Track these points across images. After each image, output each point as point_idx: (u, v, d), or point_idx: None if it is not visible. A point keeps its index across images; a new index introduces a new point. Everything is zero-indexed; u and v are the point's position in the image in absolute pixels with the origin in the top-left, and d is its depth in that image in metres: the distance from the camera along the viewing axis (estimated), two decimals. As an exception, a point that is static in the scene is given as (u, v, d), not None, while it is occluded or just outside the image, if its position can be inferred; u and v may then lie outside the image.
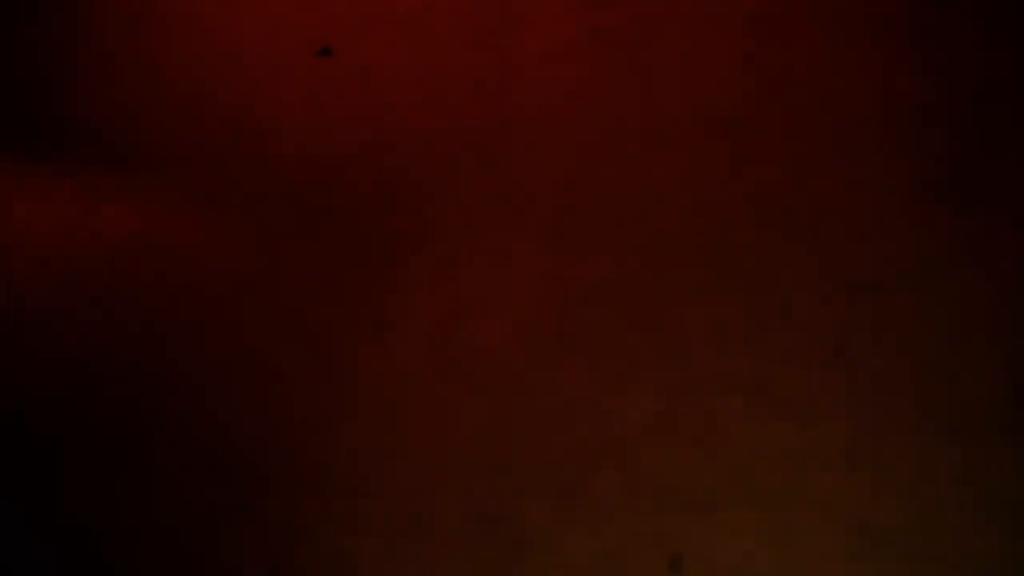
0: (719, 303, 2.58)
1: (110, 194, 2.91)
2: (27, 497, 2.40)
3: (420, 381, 2.52)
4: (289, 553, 2.48)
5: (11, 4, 3.51)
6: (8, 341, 2.58)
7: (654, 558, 2.43)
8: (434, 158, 2.99)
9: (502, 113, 3.13)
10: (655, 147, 3.02)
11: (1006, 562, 2.31)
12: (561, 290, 2.62)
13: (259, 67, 3.29)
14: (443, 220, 2.81)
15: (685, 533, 2.41)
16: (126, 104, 3.18)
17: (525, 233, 2.77)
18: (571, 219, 2.80)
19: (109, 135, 3.08)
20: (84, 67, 3.31)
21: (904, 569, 2.34)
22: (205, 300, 2.62)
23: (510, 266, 2.69)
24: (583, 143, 3.03)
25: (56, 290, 2.66)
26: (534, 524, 2.38)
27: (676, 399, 2.48)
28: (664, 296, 2.60)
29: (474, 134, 3.06)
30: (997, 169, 2.94)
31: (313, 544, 2.47)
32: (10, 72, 3.30)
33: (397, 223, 2.80)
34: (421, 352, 2.55)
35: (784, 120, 3.09)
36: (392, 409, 2.49)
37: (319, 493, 2.41)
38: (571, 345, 2.54)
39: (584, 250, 2.72)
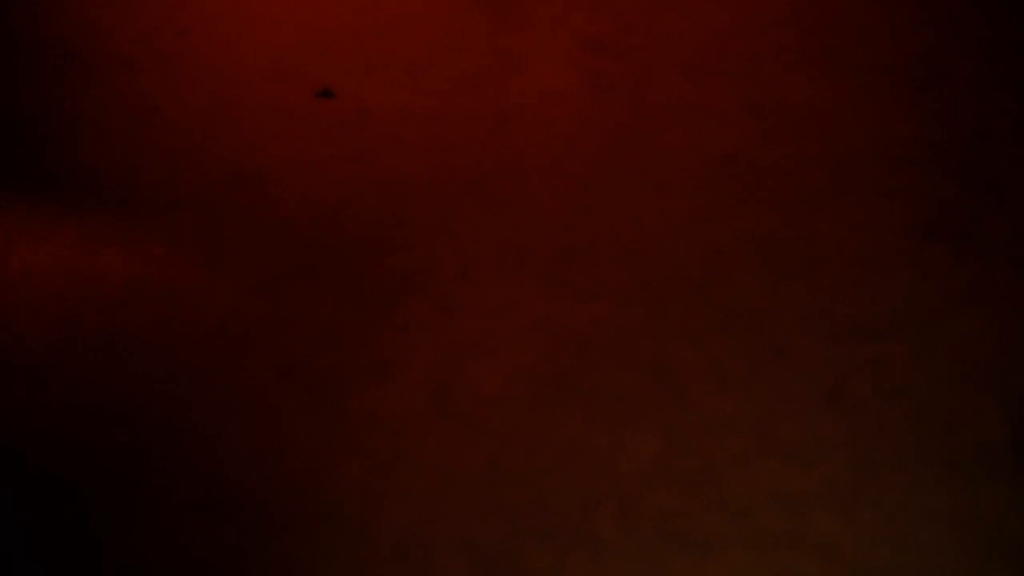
0: (718, 345, 2.58)
1: (110, 237, 2.92)
2: (30, 540, 2.39)
3: (419, 423, 2.52)
4: (288, 596, 2.48)
5: (11, 48, 3.53)
6: (8, 385, 2.58)
7: (654, 601, 2.42)
8: (433, 200, 2.99)
9: (502, 156, 3.14)
10: (655, 190, 3.02)
11: (1006, 605, 2.31)
12: (560, 332, 2.63)
13: (259, 109, 3.31)
14: (442, 262, 2.81)
15: (685, 575, 2.41)
16: (126, 147, 3.19)
17: (524, 275, 2.77)
18: (570, 261, 2.81)
19: (109, 178, 3.09)
20: (84, 111, 3.32)
21: (904, 612, 2.34)
22: (206, 343, 2.62)
23: (509, 308, 2.69)
24: (582, 186, 3.04)
25: (56, 333, 2.66)
26: (534, 567, 2.37)
27: (675, 441, 2.48)
28: (663, 338, 2.60)
29: (473, 176, 3.07)
30: (994, 212, 2.95)
31: (312, 587, 2.47)
32: (10, 116, 3.31)
33: (397, 265, 2.81)
34: (420, 394, 2.55)
35: (783, 163, 3.10)
36: (392, 451, 2.49)
37: (320, 535, 2.41)
38: (570, 387, 2.54)
39: (583, 292, 2.72)
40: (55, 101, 3.35)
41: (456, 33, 3.65)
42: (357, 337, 2.63)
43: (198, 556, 2.38)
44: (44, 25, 3.66)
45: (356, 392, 2.55)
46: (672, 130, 3.22)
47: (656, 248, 2.84)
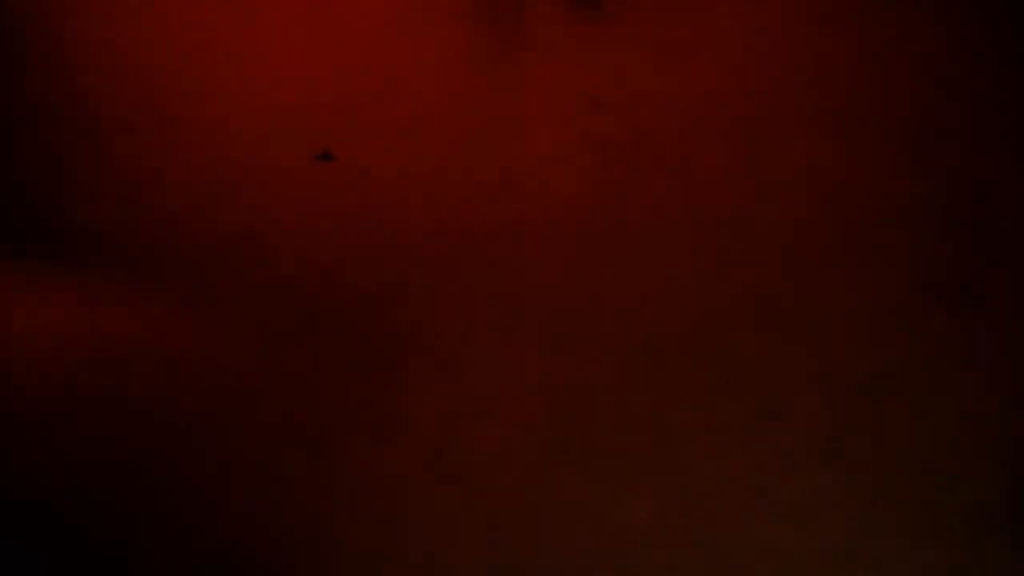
0: (718, 405, 2.58)
1: (110, 298, 2.92)
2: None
3: (418, 483, 2.52)
4: (287, 658, 2.46)
5: (12, 112, 3.55)
6: (10, 444, 2.58)
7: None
8: (433, 261, 3.00)
9: (501, 216, 3.15)
10: (654, 249, 3.03)
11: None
12: (559, 392, 2.63)
13: (259, 172, 3.32)
14: (441, 323, 2.82)
15: (685, 637, 2.40)
16: (126, 209, 3.20)
17: (523, 336, 2.77)
18: (569, 322, 2.81)
19: (109, 240, 3.10)
20: (84, 173, 3.34)
21: (906, 673, 2.33)
22: (205, 403, 2.62)
23: (508, 369, 2.69)
24: (582, 246, 3.05)
25: (58, 393, 2.66)
26: (533, 628, 2.36)
27: (675, 502, 2.47)
28: (662, 399, 2.60)
29: (472, 237, 3.08)
30: (992, 271, 2.95)
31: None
32: (11, 178, 3.33)
33: (396, 326, 2.81)
34: (419, 454, 2.55)
35: (782, 223, 3.11)
36: (391, 511, 2.49)
37: (317, 597, 2.40)
38: (569, 447, 2.54)
39: (582, 353, 2.72)
40: (56, 164, 3.36)
41: (455, 95, 3.67)
42: (356, 397, 2.63)
43: (196, 618, 2.37)
44: (45, 89, 3.68)
45: (355, 452, 2.55)
46: (671, 190, 3.23)
47: (655, 308, 2.84)
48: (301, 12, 4.12)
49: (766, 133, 3.45)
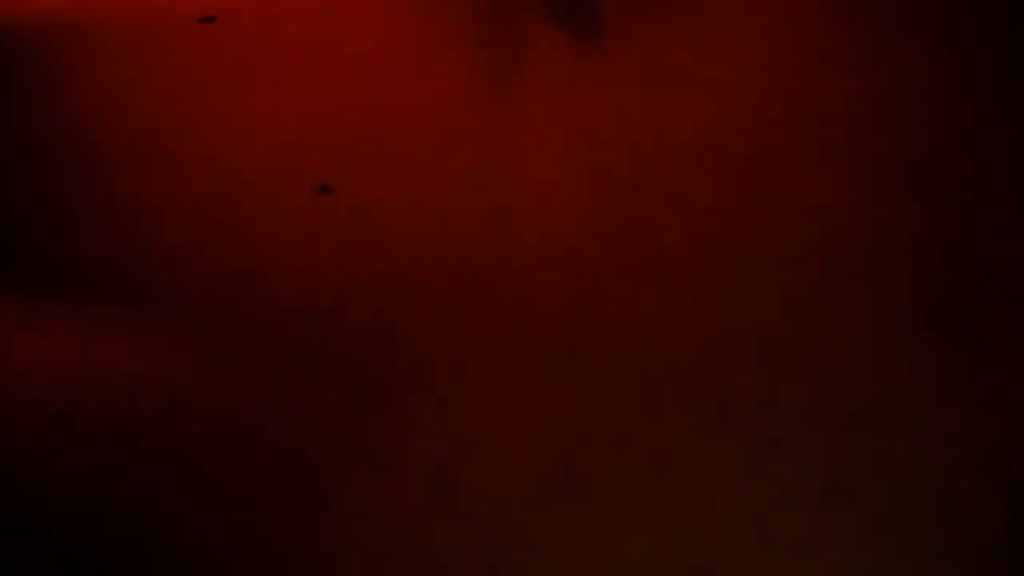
0: (717, 439, 2.58)
1: (111, 332, 2.92)
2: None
3: (418, 519, 2.51)
4: None
5: (13, 146, 3.56)
6: (9, 479, 2.58)
7: None
8: (433, 295, 3.00)
9: (501, 250, 3.15)
10: (654, 284, 3.03)
11: None
12: (559, 426, 2.62)
13: (259, 206, 3.33)
14: (441, 356, 2.82)
15: (685, 672, 2.39)
16: (127, 243, 3.21)
17: (523, 369, 2.77)
18: (568, 356, 2.81)
19: (110, 273, 3.10)
20: (86, 207, 3.35)
21: None
22: (205, 436, 2.62)
23: (507, 402, 2.69)
24: (581, 280, 3.05)
25: (58, 427, 2.66)
26: (533, 663, 2.36)
27: (675, 534, 2.47)
28: (662, 432, 2.60)
29: (472, 271, 3.08)
30: (990, 303, 2.96)
31: None
32: (12, 212, 3.33)
33: (396, 359, 2.81)
34: (419, 488, 2.54)
35: (780, 256, 3.11)
36: (390, 548, 2.48)
37: (316, 632, 2.39)
38: (570, 481, 2.53)
39: (582, 386, 2.72)
40: (57, 197, 3.37)
41: (455, 130, 3.68)
42: (356, 431, 2.63)
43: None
44: (47, 123, 3.69)
45: (355, 487, 2.55)
46: (670, 224, 3.23)
47: (654, 342, 2.84)
48: (301, 47, 4.14)
49: (766, 168, 3.46)
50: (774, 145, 3.55)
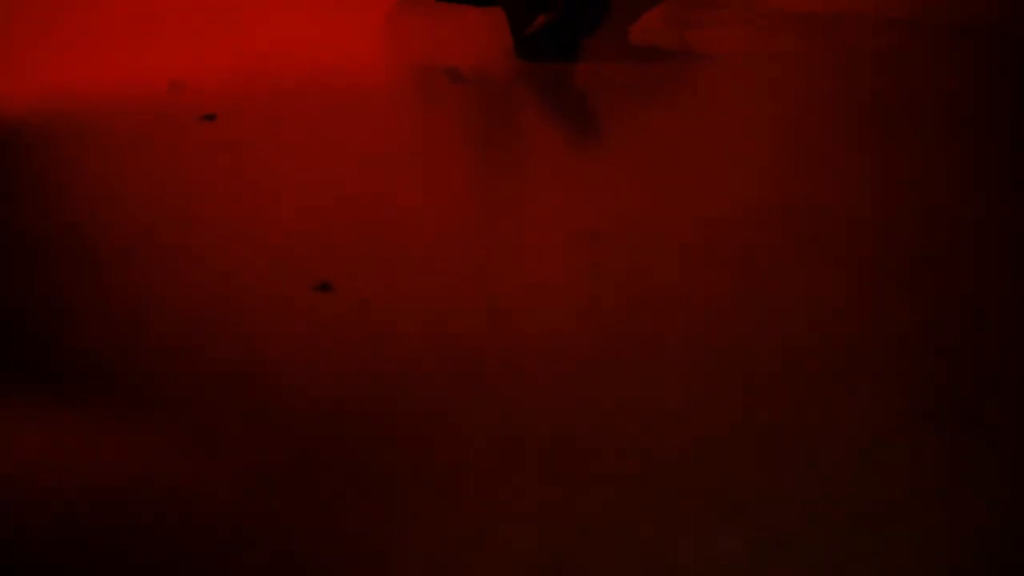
0: (718, 535, 2.56)
1: (109, 430, 2.92)
2: None
3: (416, 616, 2.50)
4: None
5: (10, 242, 3.57)
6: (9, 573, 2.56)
7: None
8: (431, 392, 3.00)
9: (499, 347, 3.16)
10: (652, 379, 3.04)
11: None
12: (558, 521, 2.61)
13: (258, 302, 3.34)
14: (440, 453, 2.81)
15: None
16: (126, 340, 3.21)
17: (522, 465, 2.77)
18: (567, 451, 2.80)
19: (108, 371, 3.11)
20: (84, 303, 3.36)
21: None
22: (204, 534, 2.61)
23: (507, 498, 2.68)
24: (580, 375, 3.05)
25: (56, 526, 2.65)
26: None
27: (676, 633, 2.45)
28: (661, 528, 2.58)
29: (471, 368, 3.09)
30: (991, 395, 2.96)
31: None
32: (9, 308, 3.34)
33: (395, 456, 2.80)
34: (417, 586, 2.53)
35: (779, 352, 3.12)
36: (388, 645, 2.47)
37: None
38: (569, 578, 2.52)
39: (581, 481, 2.72)
40: (55, 294, 3.38)
41: (454, 227, 3.70)
42: (355, 528, 2.62)
43: None
44: (44, 219, 3.71)
45: (352, 584, 2.53)
46: (668, 320, 3.24)
47: (653, 438, 2.84)
48: (301, 145, 4.17)
49: (760, 263, 3.47)
50: (769, 239, 3.57)
